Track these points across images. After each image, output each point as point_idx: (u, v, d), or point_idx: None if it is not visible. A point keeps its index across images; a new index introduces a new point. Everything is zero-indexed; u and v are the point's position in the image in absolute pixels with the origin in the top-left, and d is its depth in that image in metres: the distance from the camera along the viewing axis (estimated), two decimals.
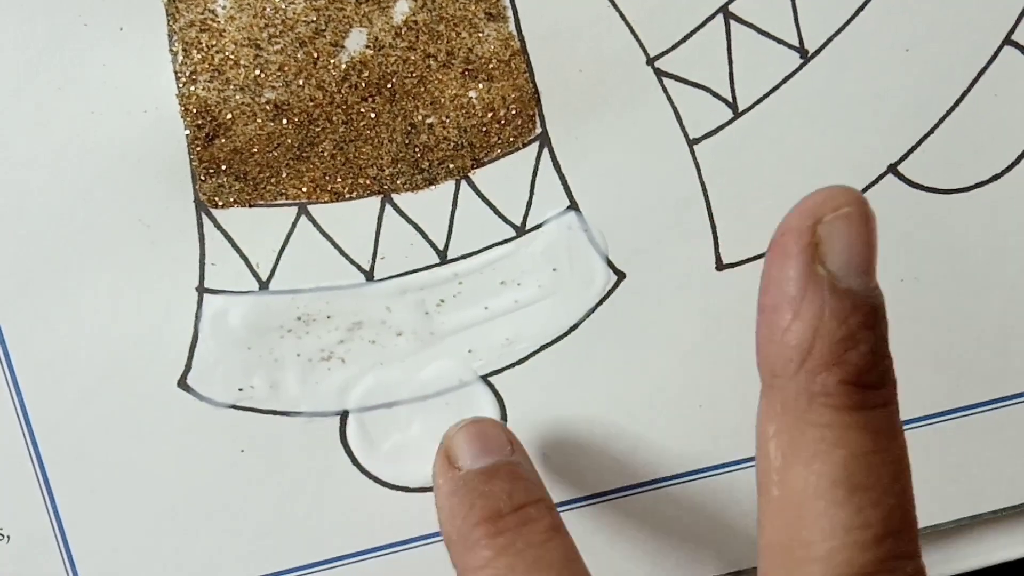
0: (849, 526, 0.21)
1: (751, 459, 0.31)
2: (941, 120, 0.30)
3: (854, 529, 0.21)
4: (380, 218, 0.30)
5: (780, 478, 0.21)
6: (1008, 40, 0.30)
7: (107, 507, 0.30)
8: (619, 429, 0.31)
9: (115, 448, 0.30)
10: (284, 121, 0.29)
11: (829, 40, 0.29)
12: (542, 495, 0.26)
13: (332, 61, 0.28)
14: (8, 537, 0.31)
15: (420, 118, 0.29)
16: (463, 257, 0.30)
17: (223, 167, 0.29)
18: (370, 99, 0.29)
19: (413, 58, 0.29)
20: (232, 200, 0.29)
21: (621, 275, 0.30)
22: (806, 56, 0.29)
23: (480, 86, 0.29)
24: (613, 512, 0.31)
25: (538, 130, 0.29)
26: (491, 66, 0.29)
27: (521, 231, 0.30)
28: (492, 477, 0.26)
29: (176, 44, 0.28)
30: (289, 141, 0.29)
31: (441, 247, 0.30)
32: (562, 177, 0.30)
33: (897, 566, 0.21)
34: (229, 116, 0.29)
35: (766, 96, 0.29)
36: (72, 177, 0.29)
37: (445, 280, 0.30)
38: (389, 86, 0.29)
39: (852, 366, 0.21)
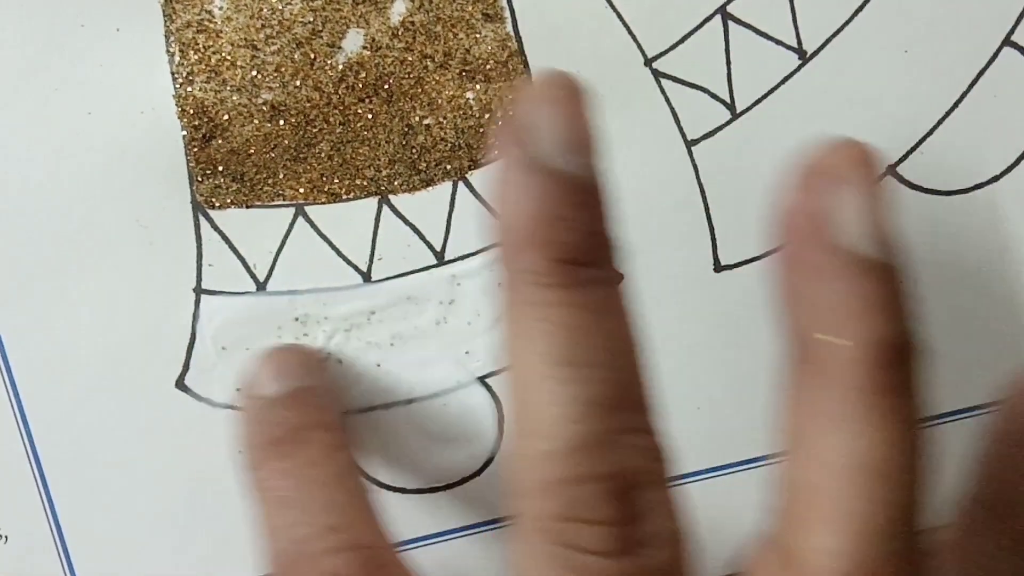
0: (562, 400, 0.20)
1: (750, 461, 0.31)
2: (940, 121, 0.30)
3: (560, 403, 0.20)
4: (377, 219, 0.30)
5: (507, 358, 0.22)
6: (1007, 41, 0.29)
7: (105, 507, 0.30)
8: None
9: (113, 448, 0.30)
10: (281, 122, 0.29)
11: (827, 41, 0.29)
12: (324, 418, 0.28)
13: (329, 62, 0.28)
14: (6, 538, 0.31)
15: (417, 119, 0.29)
16: (460, 258, 0.30)
17: (220, 168, 0.29)
18: (367, 100, 0.29)
19: (410, 59, 0.29)
20: (229, 201, 0.29)
21: (618, 276, 0.30)
22: (804, 57, 0.29)
23: (477, 87, 0.29)
24: None
25: None
26: (488, 67, 0.29)
27: None
28: (279, 403, 0.28)
29: (173, 45, 0.28)
30: (286, 142, 0.29)
31: (438, 248, 0.30)
32: None
33: (623, 440, 0.21)
34: (226, 117, 0.29)
35: (764, 97, 0.29)
36: (69, 178, 0.29)
37: (442, 281, 0.30)
38: (386, 87, 0.29)
39: (560, 244, 0.21)
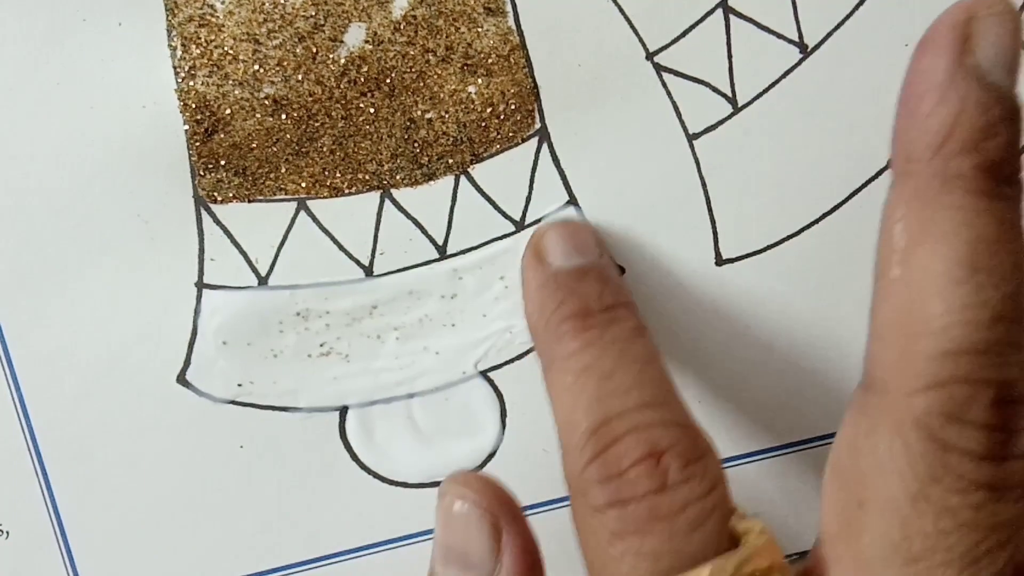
0: (966, 304, 0.21)
1: (750, 454, 0.31)
2: None
3: (971, 307, 0.21)
4: (379, 213, 0.30)
5: (903, 258, 0.22)
6: None
7: (106, 502, 0.30)
8: None
9: (114, 444, 0.30)
10: (283, 116, 0.29)
11: (829, 35, 0.29)
12: (629, 299, 0.27)
13: (331, 56, 0.28)
14: (7, 533, 0.31)
15: (419, 113, 0.29)
16: (462, 252, 0.30)
17: (222, 162, 0.29)
18: (369, 94, 0.29)
19: (412, 53, 0.29)
20: (231, 195, 0.29)
21: (620, 270, 0.30)
22: (806, 51, 0.29)
23: (479, 81, 0.29)
24: None
25: (537, 125, 0.29)
26: (490, 61, 0.29)
27: (520, 226, 0.30)
28: (583, 276, 0.27)
29: (175, 39, 0.28)
30: (288, 136, 0.29)
31: (440, 242, 0.30)
32: (561, 172, 0.30)
33: (1008, 351, 0.21)
34: (228, 111, 0.28)
35: (766, 91, 0.29)
36: (71, 172, 0.29)
37: (444, 275, 0.30)
38: (388, 81, 0.29)
39: (989, 154, 0.21)
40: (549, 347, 0.26)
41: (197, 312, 0.30)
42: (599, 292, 0.26)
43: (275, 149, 0.29)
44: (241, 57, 0.28)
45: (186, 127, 0.29)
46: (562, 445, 0.25)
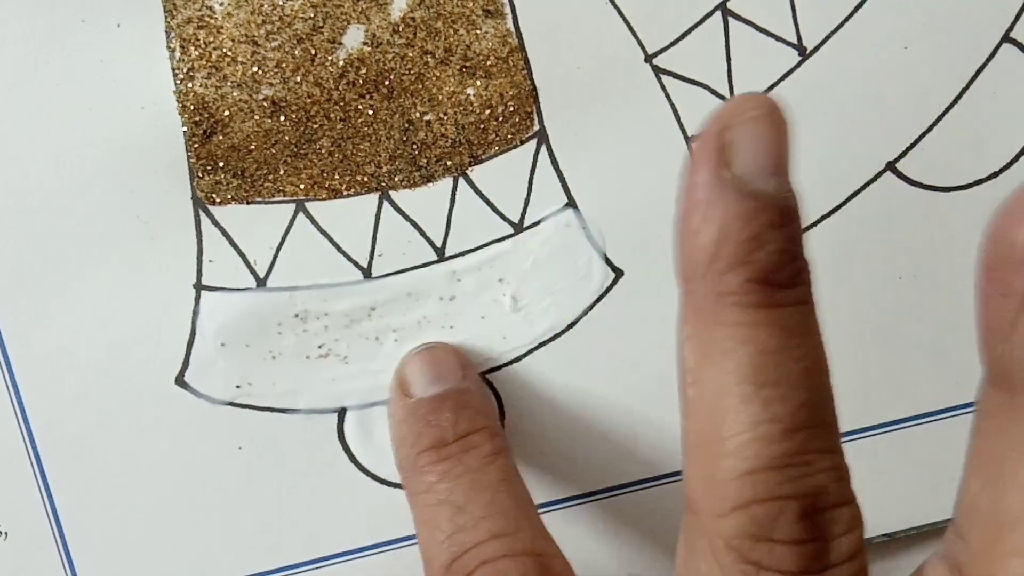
0: (757, 420, 0.21)
1: None
2: (939, 118, 0.30)
3: (762, 423, 0.21)
4: (378, 215, 0.30)
5: (694, 379, 0.22)
6: (1007, 37, 0.29)
7: (105, 503, 0.30)
8: (617, 426, 0.31)
9: (113, 445, 0.30)
10: (282, 118, 0.29)
11: (827, 37, 0.29)
12: (486, 423, 0.28)
13: (330, 58, 0.28)
14: (6, 534, 0.31)
15: (418, 115, 0.29)
16: (461, 254, 0.30)
17: (221, 164, 0.29)
18: (368, 96, 0.29)
19: (411, 55, 0.29)
20: (230, 197, 0.29)
21: (619, 272, 0.30)
22: (804, 53, 0.29)
23: (478, 83, 0.29)
24: (610, 509, 0.31)
25: (536, 127, 0.29)
26: (489, 63, 0.29)
27: (519, 228, 0.30)
28: (440, 406, 0.28)
29: (174, 40, 0.28)
30: (287, 138, 0.29)
31: (439, 244, 0.30)
32: (560, 174, 0.30)
33: (810, 460, 0.21)
34: (227, 113, 0.29)
35: (764, 93, 0.29)
36: (69, 173, 0.29)
37: (443, 277, 0.30)
38: (387, 83, 0.29)
39: (758, 264, 0.21)
40: (411, 480, 0.27)
41: (196, 313, 0.30)
42: (454, 421, 0.27)
43: (274, 151, 0.29)
44: (240, 59, 0.28)
45: (184, 128, 0.29)
46: None
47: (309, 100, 0.29)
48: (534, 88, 0.29)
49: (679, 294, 0.22)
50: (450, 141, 0.29)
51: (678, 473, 0.31)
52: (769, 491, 0.21)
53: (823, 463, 0.21)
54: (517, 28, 0.29)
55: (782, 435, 0.21)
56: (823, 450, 0.21)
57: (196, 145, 0.29)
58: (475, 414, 0.28)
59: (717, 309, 0.21)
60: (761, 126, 0.21)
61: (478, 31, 0.29)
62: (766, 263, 0.21)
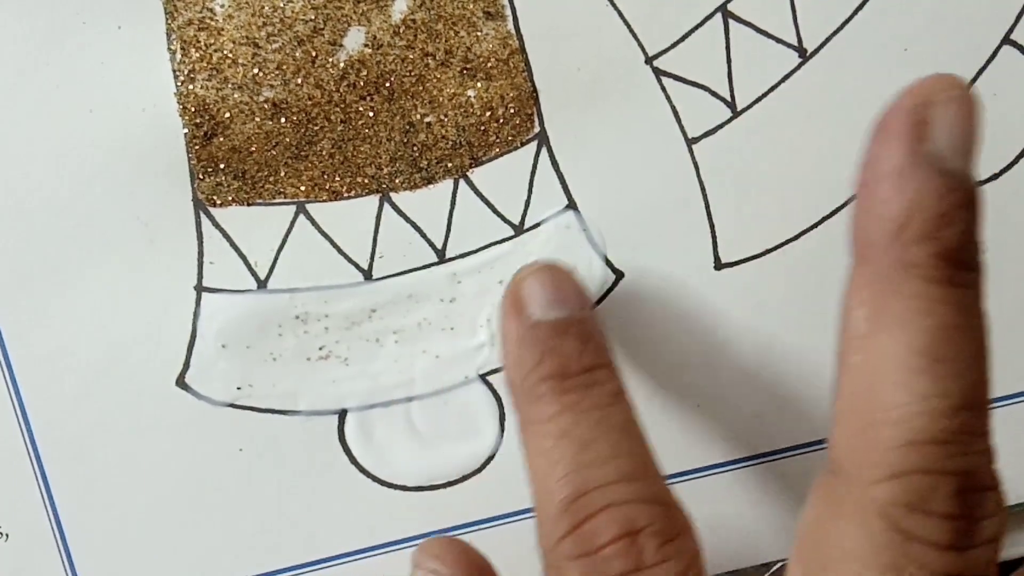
0: (927, 394, 0.21)
1: (750, 458, 0.31)
2: None
3: (932, 397, 0.21)
4: (378, 217, 0.30)
5: (863, 344, 0.22)
6: (1007, 39, 0.30)
7: (106, 505, 0.30)
8: None
9: (114, 446, 0.30)
10: (282, 120, 0.29)
11: (828, 39, 0.29)
12: (610, 359, 0.26)
13: (330, 60, 0.28)
14: (7, 535, 0.31)
15: (418, 117, 0.29)
16: (461, 256, 0.30)
17: (221, 166, 0.29)
18: (368, 98, 0.29)
19: (411, 57, 0.29)
20: (230, 199, 0.29)
21: (620, 274, 0.30)
22: (805, 55, 0.29)
23: (479, 85, 0.29)
24: None
25: (536, 129, 0.29)
26: (489, 65, 0.29)
27: (519, 230, 0.30)
28: (563, 332, 0.25)
29: (174, 42, 0.28)
30: (287, 140, 0.29)
31: (439, 246, 0.30)
32: (560, 176, 0.30)
33: (969, 440, 0.21)
34: (227, 115, 0.29)
35: (765, 95, 0.29)
36: (70, 175, 0.29)
37: (443, 279, 0.30)
38: (387, 85, 0.29)
39: (946, 242, 0.21)
40: (526, 407, 0.25)
41: (196, 315, 0.30)
42: (579, 351, 0.25)
43: (274, 152, 0.29)
44: (240, 61, 0.28)
45: (185, 130, 0.29)
46: (537, 512, 0.25)
47: (310, 102, 0.29)
48: (534, 90, 0.29)
49: (853, 261, 0.23)
50: (451, 143, 0.29)
51: (680, 475, 0.31)
52: (930, 464, 0.21)
53: (980, 444, 0.22)
54: (518, 30, 0.29)
55: (950, 411, 0.21)
56: (981, 432, 0.22)
57: (197, 147, 0.29)
58: (600, 348, 0.26)
59: (899, 279, 0.21)
60: (961, 107, 0.22)
61: (479, 33, 0.29)
62: (954, 241, 0.21)
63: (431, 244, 0.30)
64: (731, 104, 0.29)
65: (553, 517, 0.24)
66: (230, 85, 0.28)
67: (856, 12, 0.29)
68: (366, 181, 0.29)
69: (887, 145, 0.22)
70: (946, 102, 0.22)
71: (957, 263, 0.22)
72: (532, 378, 0.25)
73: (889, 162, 0.22)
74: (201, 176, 0.29)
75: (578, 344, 0.25)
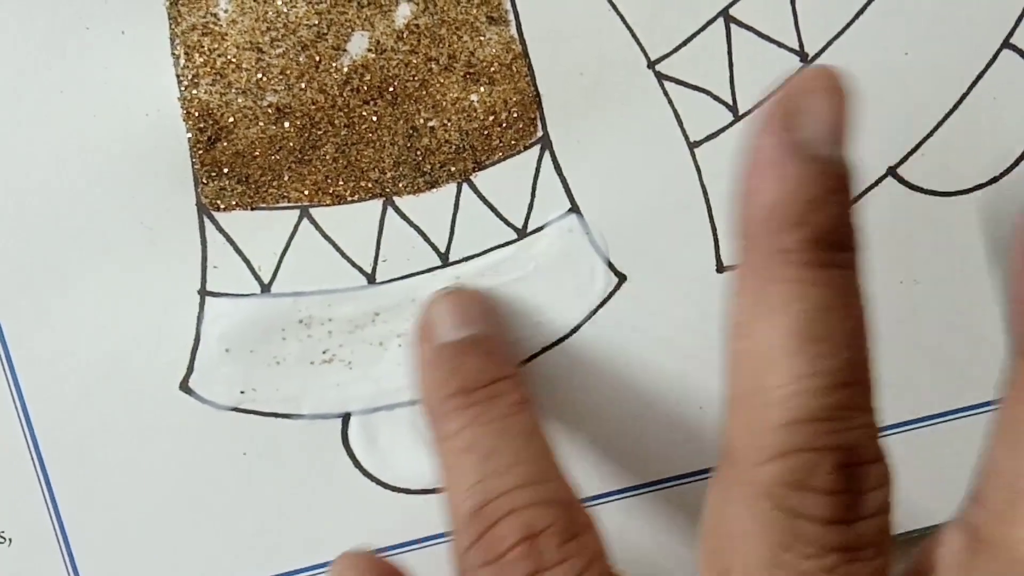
0: (803, 374, 0.21)
1: None
2: (940, 123, 0.30)
3: (808, 377, 0.21)
4: (382, 221, 0.30)
5: (745, 331, 0.23)
6: (1007, 43, 0.30)
7: (109, 510, 0.30)
8: (620, 431, 0.31)
9: (117, 451, 0.30)
10: (286, 124, 0.29)
11: (829, 43, 0.29)
12: (513, 371, 0.27)
13: (334, 64, 0.29)
14: (9, 540, 0.31)
15: (422, 121, 0.29)
16: (465, 260, 0.30)
17: (225, 170, 0.29)
18: (372, 102, 0.29)
19: (415, 61, 0.29)
20: (234, 203, 0.29)
21: (622, 277, 0.30)
22: (806, 59, 0.29)
23: (482, 89, 0.29)
24: (614, 513, 0.31)
25: (539, 133, 0.29)
26: (492, 69, 0.29)
27: (522, 234, 0.30)
28: (467, 351, 0.27)
29: (178, 47, 0.28)
30: (291, 144, 0.29)
31: (443, 250, 0.30)
32: (563, 180, 0.30)
33: (849, 416, 0.22)
34: (231, 119, 0.29)
35: (766, 99, 0.29)
36: (73, 179, 0.29)
37: (446, 283, 0.30)
38: (391, 89, 0.29)
39: (816, 226, 0.22)
40: (435, 425, 0.27)
41: (200, 319, 0.30)
42: (481, 367, 0.27)
43: (278, 157, 0.29)
44: (244, 65, 0.28)
45: (189, 135, 0.29)
46: (449, 524, 0.26)
47: (313, 106, 0.29)
48: (537, 94, 0.29)
49: (736, 252, 0.23)
50: (454, 147, 0.29)
51: (681, 477, 0.31)
52: (809, 441, 0.21)
53: (861, 420, 0.22)
54: (520, 35, 0.29)
55: (826, 390, 0.21)
56: (862, 408, 0.22)
57: (200, 151, 0.29)
58: (502, 361, 0.27)
59: (773, 265, 0.22)
60: (830, 96, 0.22)
61: (482, 38, 0.29)
62: (823, 225, 0.22)
63: (434, 248, 0.30)
64: (733, 108, 0.29)
65: (461, 528, 0.25)
66: (234, 90, 0.28)
67: (857, 16, 0.29)
68: (369, 185, 0.29)
69: (760, 136, 0.22)
70: (815, 91, 0.22)
71: (829, 245, 0.22)
72: (440, 396, 0.27)
73: (762, 153, 0.22)
74: (205, 180, 0.29)
75: (480, 360, 0.27)
